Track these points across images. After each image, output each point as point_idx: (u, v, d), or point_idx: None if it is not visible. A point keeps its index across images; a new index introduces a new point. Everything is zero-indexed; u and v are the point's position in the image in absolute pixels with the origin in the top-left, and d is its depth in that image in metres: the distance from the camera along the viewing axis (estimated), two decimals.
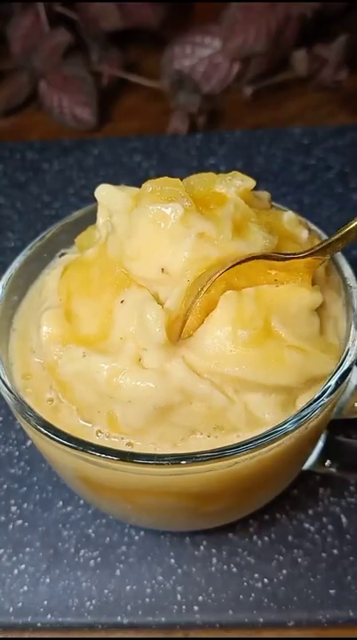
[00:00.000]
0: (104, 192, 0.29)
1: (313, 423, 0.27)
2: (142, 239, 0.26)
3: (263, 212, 0.29)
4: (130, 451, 0.26)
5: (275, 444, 0.25)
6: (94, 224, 0.31)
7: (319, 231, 0.32)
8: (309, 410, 0.26)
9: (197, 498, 0.28)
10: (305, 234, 0.30)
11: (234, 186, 0.28)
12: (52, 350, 0.27)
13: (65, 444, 0.25)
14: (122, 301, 0.26)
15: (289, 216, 0.30)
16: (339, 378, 0.27)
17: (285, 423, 0.25)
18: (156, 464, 0.24)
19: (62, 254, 0.34)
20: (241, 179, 0.28)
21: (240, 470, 0.26)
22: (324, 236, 0.31)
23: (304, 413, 0.26)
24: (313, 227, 0.32)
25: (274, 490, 0.33)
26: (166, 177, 0.27)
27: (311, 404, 0.26)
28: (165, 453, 0.25)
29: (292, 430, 0.25)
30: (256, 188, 0.29)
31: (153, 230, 0.26)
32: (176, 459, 0.24)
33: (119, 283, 0.27)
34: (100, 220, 0.30)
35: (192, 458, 0.24)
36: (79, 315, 0.27)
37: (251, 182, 0.28)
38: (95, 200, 0.30)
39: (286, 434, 0.25)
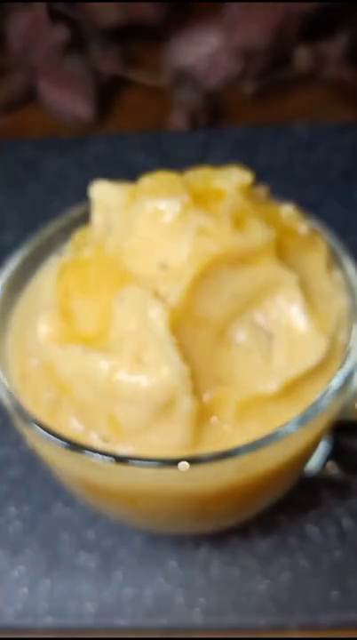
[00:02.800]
0: (99, 189, 0.29)
1: (316, 425, 0.27)
2: (140, 235, 0.26)
3: (261, 207, 0.29)
4: (130, 453, 0.25)
5: (278, 445, 0.25)
6: (91, 222, 0.31)
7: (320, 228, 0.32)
8: (312, 411, 0.25)
9: (198, 501, 0.28)
10: (304, 228, 0.29)
11: (232, 181, 0.27)
12: (51, 350, 0.26)
13: (63, 447, 0.25)
14: (121, 299, 0.26)
15: (287, 210, 0.29)
16: (343, 379, 0.26)
17: (288, 425, 0.25)
18: (156, 466, 0.24)
19: (60, 253, 0.33)
20: (239, 174, 0.28)
21: (242, 472, 0.26)
22: (325, 233, 0.31)
23: (307, 415, 0.25)
24: (314, 223, 0.32)
25: (277, 492, 0.32)
26: (163, 172, 0.27)
27: (314, 405, 0.26)
28: (166, 456, 0.25)
29: (295, 432, 0.25)
30: (257, 185, 0.29)
31: (151, 226, 0.26)
32: (176, 461, 0.24)
33: (118, 281, 0.26)
34: (96, 218, 0.29)
35: (193, 460, 0.24)
36: (77, 314, 0.27)
37: (249, 177, 0.28)
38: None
39: (289, 436, 0.25)
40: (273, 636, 0.33)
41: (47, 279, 0.29)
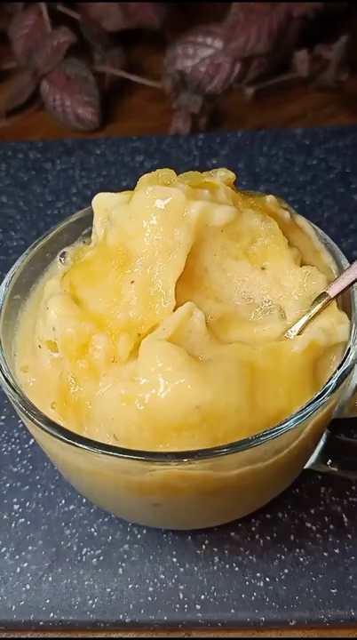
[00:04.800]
0: (100, 198, 0.30)
1: (314, 422, 0.27)
2: (143, 217, 0.27)
3: (247, 196, 0.31)
4: (135, 448, 0.26)
5: (278, 442, 0.25)
6: (84, 239, 0.33)
7: (319, 231, 0.32)
8: (311, 408, 0.26)
9: (198, 496, 0.28)
10: (286, 214, 0.32)
11: (219, 176, 0.30)
12: (65, 326, 0.27)
13: (69, 443, 0.25)
14: (132, 282, 0.27)
15: (270, 199, 0.32)
16: (340, 376, 0.27)
17: (287, 422, 0.25)
18: (159, 461, 0.24)
19: (64, 253, 0.34)
20: (224, 172, 0.30)
21: (242, 468, 0.26)
22: (325, 234, 0.32)
23: (305, 412, 0.26)
24: (314, 225, 0.32)
25: (276, 489, 0.33)
26: (160, 169, 0.28)
27: (312, 402, 0.26)
28: (167, 451, 0.25)
29: (294, 429, 0.26)
30: (257, 189, 0.30)
31: (153, 207, 0.27)
32: (178, 456, 0.24)
33: (122, 263, 0.27)
34: (97, 221, 0.30)
35: (194, 456, 0.24)
36: (86, 299, 0.28)
37: (232, 175, 0.31)
38: None
39: (288, 432, 0.25)
40: (273, 632, 0.33)
41: (52, 280, 0.30)
